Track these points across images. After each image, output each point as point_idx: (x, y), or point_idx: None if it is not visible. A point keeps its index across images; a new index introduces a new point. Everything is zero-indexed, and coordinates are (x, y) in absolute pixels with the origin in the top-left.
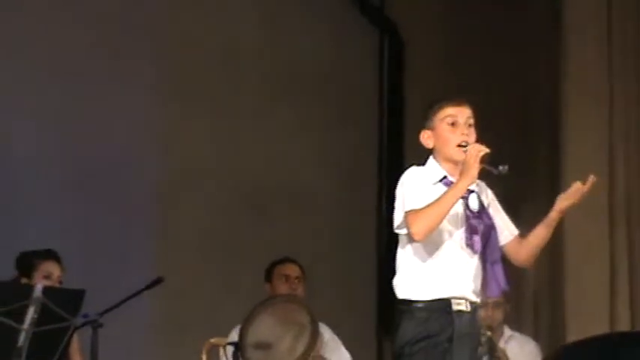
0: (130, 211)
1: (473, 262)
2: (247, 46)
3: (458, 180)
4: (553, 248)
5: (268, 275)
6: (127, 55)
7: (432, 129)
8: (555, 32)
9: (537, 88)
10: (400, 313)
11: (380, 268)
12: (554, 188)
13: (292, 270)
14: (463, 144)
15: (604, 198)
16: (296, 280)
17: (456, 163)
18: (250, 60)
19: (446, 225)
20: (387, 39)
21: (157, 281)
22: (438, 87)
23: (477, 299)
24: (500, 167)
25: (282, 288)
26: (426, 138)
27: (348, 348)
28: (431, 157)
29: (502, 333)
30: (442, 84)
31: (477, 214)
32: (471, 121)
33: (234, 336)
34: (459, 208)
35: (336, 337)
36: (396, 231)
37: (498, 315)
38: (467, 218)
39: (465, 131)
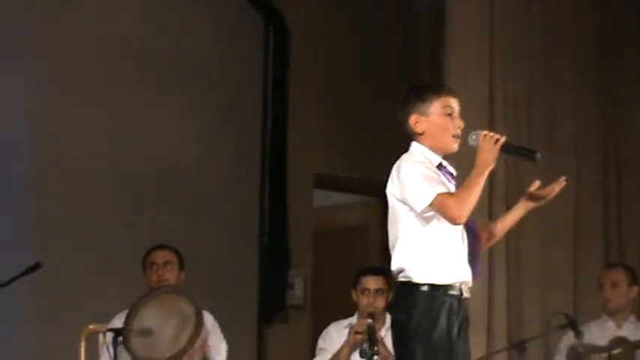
0: (6, 196)
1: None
2: (131, 34)
3: (478, 167)
4: None
5: (144, 264)
6: (8, 41)
7: (425, 115)
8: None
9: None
10: (413, 296)
11: (262, 258)
12: None
13: (158, 257)
14: (456, 135)
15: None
16: (163, 266)
17: (446, 152)
18: (134, 48)
19: None
20: (272, 27)
21: (35, 267)
22: (323, 77)
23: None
24: (538, 155)
25: (152, 277)
26: (416, 123)
27: (228, 336)
28: (415, 144)
29: (384, 321)
30: (327, 74)
31: None
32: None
33: (115, 322)
34: None
35: (217, 327)
36: (423, 215)
37: (380, 302)
38: None
39: (460, 124)
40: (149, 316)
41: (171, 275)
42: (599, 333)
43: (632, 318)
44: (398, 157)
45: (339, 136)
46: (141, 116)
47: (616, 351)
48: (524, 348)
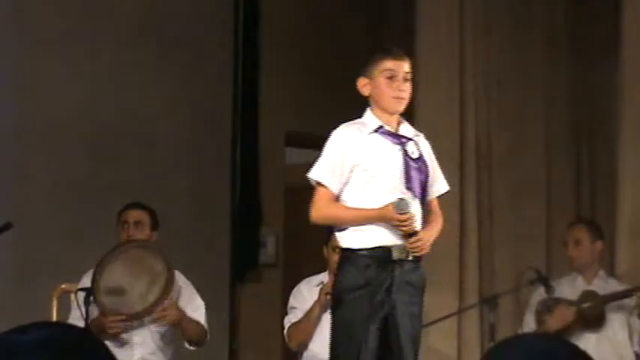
0: None
1: (414, 207)
2: None
3: (375, 213)
4: None
5: (117, 221)
6: None
7: (370, 78)
8: None
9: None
10: (342, 260)
11: (233, 216)
12: None
13: (130, 215)
14: (398, 96)
15: (455, 145)
16: (134, 226)
17: (391, 113)
18: (106, 4)
19: (385, 172)
20: None
21: (5, 227)
22: (294, 34)
23: None
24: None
25: (122, 236)
26: (362, 86)
27: (200, 295)
28: (368, 109)
29: None
30: (298, 31)
31: (415, 161)
32: (409, 75)
33: (85, 281)
34: (397, 155)
35: (189, 284)
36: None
37: None
38: (405, 163)
39: (402, 86)
40: (118, 274)
41: (141, 236)
42: (570, 289)
43: (601, 273)
44: None
45: (311, 93)
46: (113, 74)
47: (585, 305)
48: (495, 303)
